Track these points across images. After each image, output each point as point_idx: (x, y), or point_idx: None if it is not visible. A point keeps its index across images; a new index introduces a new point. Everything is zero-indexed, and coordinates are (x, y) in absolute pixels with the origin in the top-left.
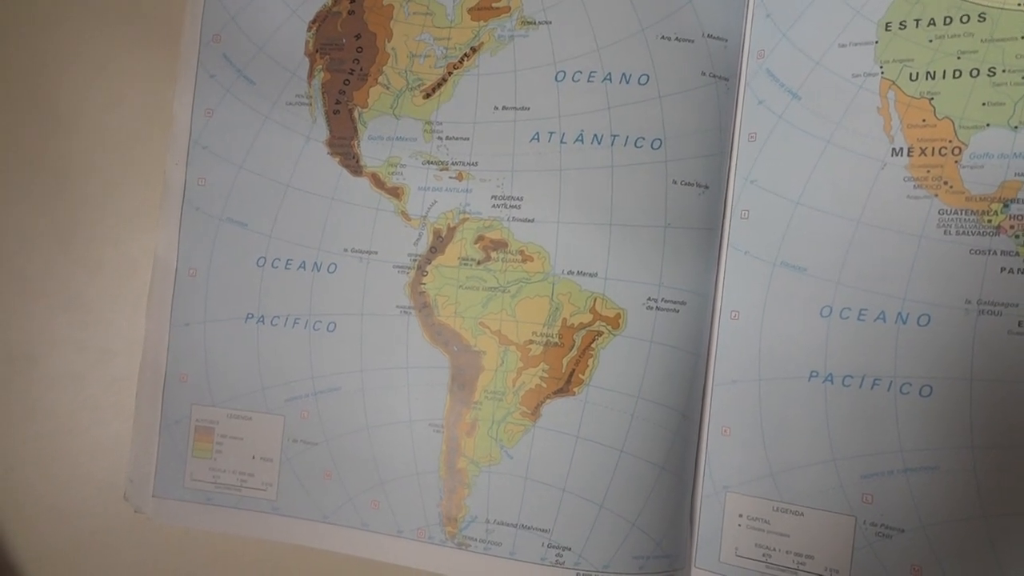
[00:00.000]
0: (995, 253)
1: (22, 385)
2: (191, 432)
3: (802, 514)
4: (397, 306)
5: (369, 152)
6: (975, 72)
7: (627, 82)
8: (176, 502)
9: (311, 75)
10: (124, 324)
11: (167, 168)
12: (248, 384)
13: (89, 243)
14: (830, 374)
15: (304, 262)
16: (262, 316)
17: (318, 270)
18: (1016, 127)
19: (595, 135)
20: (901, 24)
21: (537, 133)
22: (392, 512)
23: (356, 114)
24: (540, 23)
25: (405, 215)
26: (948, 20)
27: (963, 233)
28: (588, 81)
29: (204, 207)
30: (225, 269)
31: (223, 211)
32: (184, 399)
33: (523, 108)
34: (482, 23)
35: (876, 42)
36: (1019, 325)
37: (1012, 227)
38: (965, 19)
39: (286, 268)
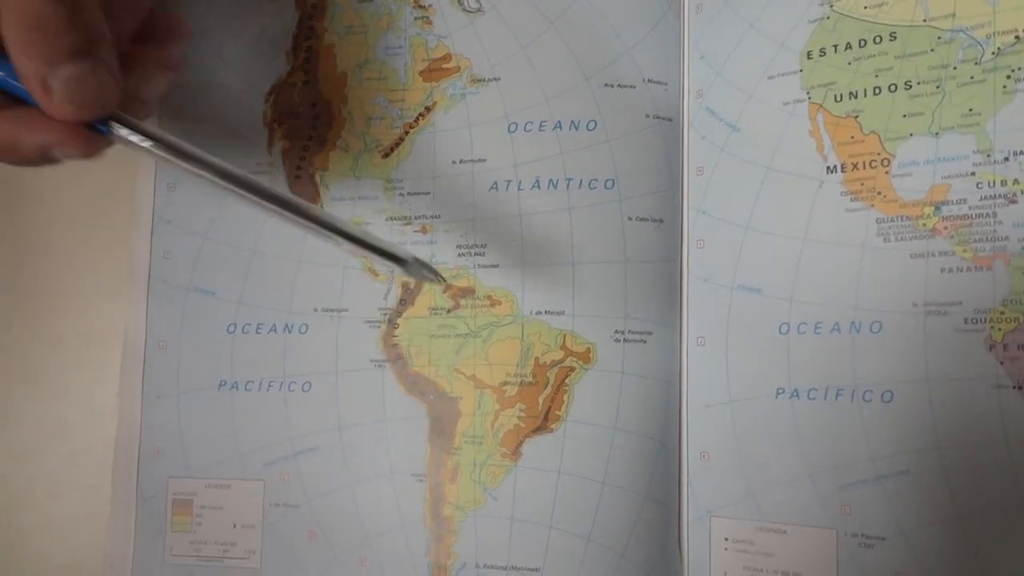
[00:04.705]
0: (933, 255)
1: None
2: (168, 506)
3: (785, 532)
4: (371, 360)
5: (333, 213)
6: (893, 87)
7: (576, 128)
8: None
9: (271, 144)
10: (83, 395)
11: (131, 244)
12: (225, 452)
13: (49, 316)
14: (795, 389)
15: (275, 325)
16: (235, 382)
17: (289, 332)
18: (937, 133)
19: (551, 180)
20: (821, 51)
21: (495, 182)
22: (380, 567)
23: (318, 178)
24: (489, 80)
25: (372, 271)
26: (863, 42)
27: (902, 239)
28: (540, 130)
29: (171, 279)
30: (195, 339)
31: (190, 282)
32: (159, 473)
33: (480, 160)
34: (434, 83)
35: (801, 71)
36: (965, 322)
37: (946, 228)
38: (878, 40)
39: (257, 332)
